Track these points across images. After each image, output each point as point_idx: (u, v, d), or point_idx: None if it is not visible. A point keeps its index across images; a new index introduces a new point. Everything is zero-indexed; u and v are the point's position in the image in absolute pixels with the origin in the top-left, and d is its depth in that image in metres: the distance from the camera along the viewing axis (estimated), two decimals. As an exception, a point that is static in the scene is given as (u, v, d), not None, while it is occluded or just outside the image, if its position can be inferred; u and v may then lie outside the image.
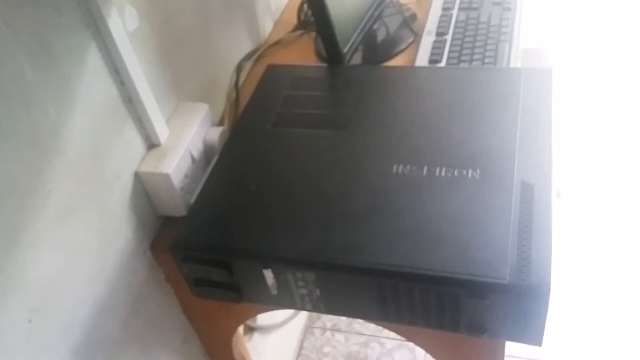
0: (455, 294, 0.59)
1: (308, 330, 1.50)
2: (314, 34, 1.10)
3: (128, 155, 0.73)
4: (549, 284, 0.57)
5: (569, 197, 1.65)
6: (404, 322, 0.65)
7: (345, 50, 0.88)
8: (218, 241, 0.66)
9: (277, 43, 1.09)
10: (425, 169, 0.68)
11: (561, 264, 1.51)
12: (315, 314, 1.50)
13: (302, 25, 1.12)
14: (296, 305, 0.68)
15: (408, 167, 0.69)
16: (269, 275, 0.65)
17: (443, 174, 0.67)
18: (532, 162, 0.66)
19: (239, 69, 1.00)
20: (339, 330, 1.49)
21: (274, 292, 0.67)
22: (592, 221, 1.60)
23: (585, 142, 1.75)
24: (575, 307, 1.44)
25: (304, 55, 1.06)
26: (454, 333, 0.64)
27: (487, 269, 0.58)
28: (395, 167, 0.69)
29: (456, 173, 0.67)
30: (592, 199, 1.65)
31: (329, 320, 1.51)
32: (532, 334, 0.61)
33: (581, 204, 1.64)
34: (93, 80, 0.66)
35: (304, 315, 1.48)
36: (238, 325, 0.89)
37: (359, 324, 1.49)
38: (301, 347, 1.47)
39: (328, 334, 1.49)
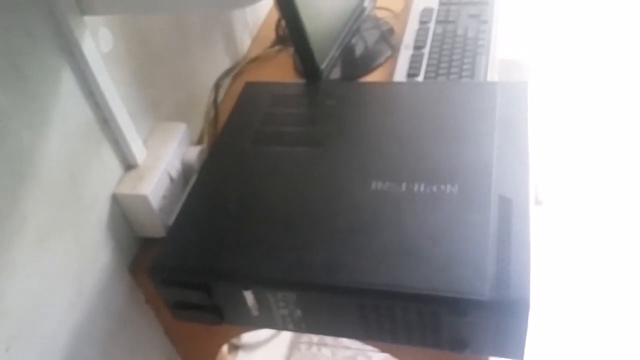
0: (436, 311, 0.59)
1: (294, 345, 1.49)
2: (292, 49, 1.10)
3: (105, 177, 0.73)
4: (528, 299, 0.57)
5: (549, 205, 1.66)
6: (386, 340, 0.65)
7: (323, 67, 0.88)
8: (197, 263, 0.66)
9: (256, 59, 1.09)
10: (404, 184, 0.68)
11: (542, 272, 1.52)
12: (300, 329, 1.49)
13: (280, 40, 1.12)
14: (277, 325, 0.68)
15: (387, 183, 0.69)
16: (249, 296, 0.65)
17: (421, 189, 0.67)
18: (509, 175, 0.67)
19: (217, 86, 1.00)
20: (325, 345, 1.48)
21: (255, 313, 0.67)
22: (573, 229, 1.62)
23: (565, 149, 1.77)
24: (556, 318, 1.45)
25: (282, 71, 1.06)
26: (436, 349, 0.63)
27: (466, 286, 0.58)
28: (374, 184, 0.69)
29: (434, 189, 0.67)
30: (573, 206, 1.66)
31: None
32: (513, 348, 0.61)
33: (562, 211, 1.65)
34: (67, 103, 0.66)
35: (289, 330, 1.47)
36: (221, 345, 0.89)
37: (345, 339, 1.48)
38: (288, 363, 1.46)
39: (314, 348, 1.48)
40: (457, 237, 0.62)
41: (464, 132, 0.73)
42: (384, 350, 0.74)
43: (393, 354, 0.74)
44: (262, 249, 0.65)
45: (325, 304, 0.63)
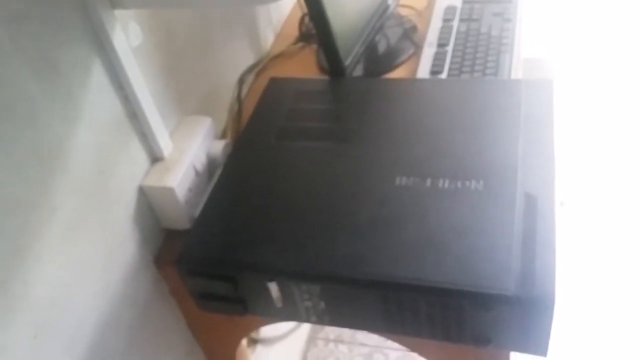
0: (460, 306, 0.59)
1: (311, 341, 1.50)
2: (315, 46, 1.10)
3: (132, 169, 0.74)
4: (554, 295, 0.57)
5: (572, 207, 1.65)
6: (409, 334, 0.65)
7: (347, 63, 0.88)
8: (223, 255, 0.66)
9: (279, 55, 1.10)
10: (429, 180, 0.68)
11: (565, 272, 1.51)
12: (318, 325, 1.49)
13: (303, 37, 1.13)
14: (301, 317, 0.69)
15: (411, 178, 0.69)
16: (273, 288, 0.65)
17: (446, 185, 0.67)
18: (534, 173, 0.67)
19: (241, 81, 1.01)
20: (342, 341, 1.49)
21: (279, 304, 0.67)
22: (595, 230, 1.60)
23: (588, 151, 1.76)
24: (579, 315, 1.44)
25: (305, 67, 1.06)
26: (458, 344, 0.64)
27: (491, 281, 0.58)
28: (398, 179, 0.69)
29: (459, 184, 0.67)
30: (595, 207, 1.65)
31: (332, 331, 1.51)
32: (537, 344, 0.61)
33: (584, 212, 1.64)
34: (97, 96, 0.67)
35: (307, 326, 1.48)
36: (241, 338, 0.89)
37: (362, 335, 1.49)
38: (304, 359, 1.47)
39: (331, 344, 1.49)
40: (482, 233, 0.62)
41: (488, 128, 0.73)
42: (403, 344, 0.74)
43: (412, 348, 0.75)
44: (287, 241, 0.66)
45: (349, 296, 0.63)
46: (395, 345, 1.42)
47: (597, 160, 1.74)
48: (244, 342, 0.93)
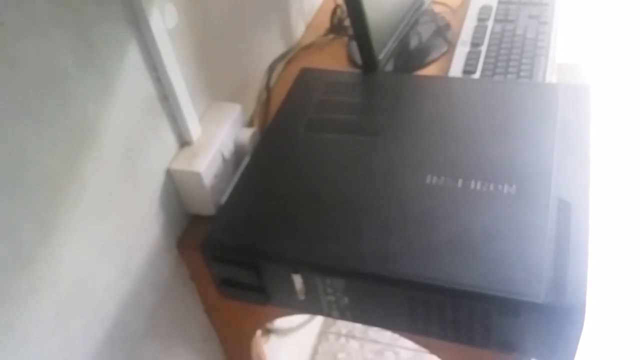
0: (488, 311, 0.58)
1: (323, 334, 1.50)
2: (345, 39, 1.09)
3: (160, 152, 0.73)
4: (584, 305, 0.56)
5: (606, 215, 1.62)
6: (432, 335, 0.64)
7: (381, 57, 0.87)
8: (248, 242, 0.66)
9: (309, 46, 1.09)
10: (460, 181, 0.67)
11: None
12: (330, 319, 1.49)
13: (334, 29, 1.12)
14: (322, 311, 0.68)
15: (442, 178, 0.68)
16: (297, 280, 0.65)
17: (478, 187, 0.66)
18: (569, 179, 0.65)
19: (271, 69, 1.00)
20: (353, 337, 1.48)
21: (302, 297, 0.67)
22: (631, 239, 1.58)
23: (621, 158, 1.73)
24: (592, 322, 1.42)
25: (335, 59, 1.05)
26: (482, 349, 0.63)
27: (521, 287, 0.57)
28: (428, 178, 0.68)
29: (491, 187, 0.66)
30: (632, 215, 1.62)
31: (343, 325, 1.51)
32: (563, 353, 0.60)
33: (619, 222, 1.61)
34: (131, 77, 0.66)
35: (319, 319, 1.48)
36: (258, 328, 0.89)
37: (374, 332, 1.48)
38: (315, 352, 1.46)
39: (342, 339, 1.48)
40: (513, 238, 0.61)
41: (523, 132, 0.72)
42: (422, 345, 0.73)
43: (431, 350, 0.74)
44: (313, 234, 0.65)
45: (374, 293, 0.63)
46: (407, 344, 1.41)
47: (631, 167, 1.71)
48: (259, 331, 0.93)
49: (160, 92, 0.71)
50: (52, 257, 0.58)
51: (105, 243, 0.66)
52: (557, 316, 0.56)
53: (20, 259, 0.55)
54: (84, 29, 0.59)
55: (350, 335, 1.48)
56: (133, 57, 0.66)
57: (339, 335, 1.49)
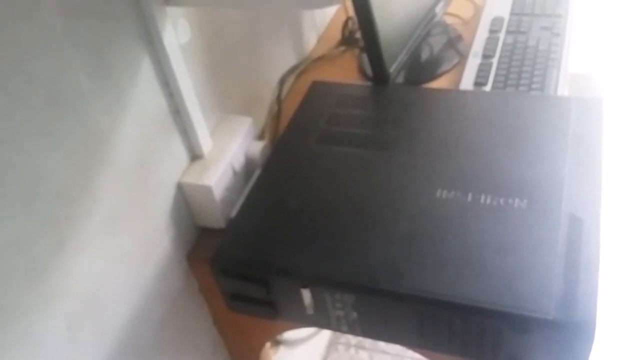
0: (498, 326, 0.58)
1: (332, 345, 1.49)
2: (356, 51, 1.10)
3: (172, 165, 0.74)
4: (594, 322, 0.55)
5: (617, 231, 1.60)
6: (441, 350, 0.64)
7: (392, 70, 0.88)
8: (258, 257, 0.66)
9: (320, 58, 1.09)
10: (470, 195, 0.67)
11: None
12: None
13: (345, 41, 1.12)
14: (331, 326, 0.68)
15: (452, 192, 0.68)
16: (306, 294, 0.65)
17: (488, 201, 0.66)
18: (581, 195, 0.65)
19: (282, 82, 1.01)
20: (363, 348, 1.48)
21: (310, 311, 0.67)
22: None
23: (633, 173, 1.71)
24: (608, 341, 1.41)
25: (346, 72, 1.06)
26: (491, 365, 0.62)
27: (531, 303, 0.57)
28: (439, 192, 0.68)
29: (502, 201, 0.66)
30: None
31: (353, 336, 1.50)
32: (573, 371, 0.59)
33: (631, 238, 1.59)
34: (144, 92, 0.67)
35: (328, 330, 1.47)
36: (267, 340, 0.89)
37: (383, 343, 1.47)
38: (325, 362, 1.46)
39: (352, 350, 1.48)
40: (523, 253, 0.60)
41: (535, 146, 0.71)
42: (426, 356, 0.73)
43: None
44: (323, 248, 0.65)
45: (384, 309, 0.62)
46: (416, 356, 1.40)
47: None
48: (268, 343, 0.93)
49: (172, 106, 0.72)
50: (65, 270, 0.59)
51: (117, 255, 0.67)
52: (568, 332, 0.55)
53: (33, 271, 0.55)
54: (99, 44, 0.60)
55: (359, 346, 1.48)
56: (146, 72, 0.67)
57: (348, 346, 1.48)
